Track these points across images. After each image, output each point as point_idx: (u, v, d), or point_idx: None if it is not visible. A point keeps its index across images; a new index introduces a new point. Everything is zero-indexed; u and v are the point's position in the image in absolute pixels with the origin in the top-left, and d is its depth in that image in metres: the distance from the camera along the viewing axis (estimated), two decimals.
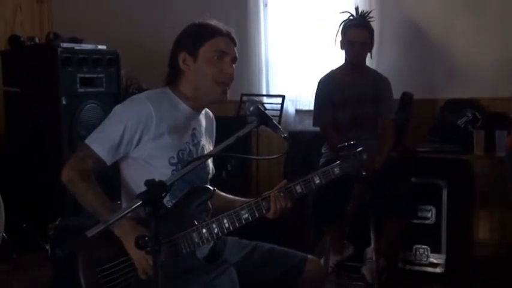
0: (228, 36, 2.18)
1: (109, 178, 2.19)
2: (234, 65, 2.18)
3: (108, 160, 2.07)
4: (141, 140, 2.08)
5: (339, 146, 2.14)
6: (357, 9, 3.85)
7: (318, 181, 2.08)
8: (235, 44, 2.20)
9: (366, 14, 3.77)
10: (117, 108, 2.13)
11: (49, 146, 4.33)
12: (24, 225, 4.05)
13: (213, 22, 2.19)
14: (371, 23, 3.75)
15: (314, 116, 3.82)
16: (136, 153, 2.10)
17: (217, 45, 2.14)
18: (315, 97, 3.81)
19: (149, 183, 1.59)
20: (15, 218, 3.98)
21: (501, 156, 3.58)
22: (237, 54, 2.19)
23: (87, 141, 2.09)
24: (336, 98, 3.69)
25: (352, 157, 2.11)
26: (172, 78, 2.21)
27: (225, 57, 2.15)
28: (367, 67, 3.80)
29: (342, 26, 3.74)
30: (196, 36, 2.15)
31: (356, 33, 3.62)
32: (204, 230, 2.00)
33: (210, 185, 2.13)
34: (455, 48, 4.30)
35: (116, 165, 2.16)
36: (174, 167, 2.10)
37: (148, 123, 2.06)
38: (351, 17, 3.77)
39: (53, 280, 3.16)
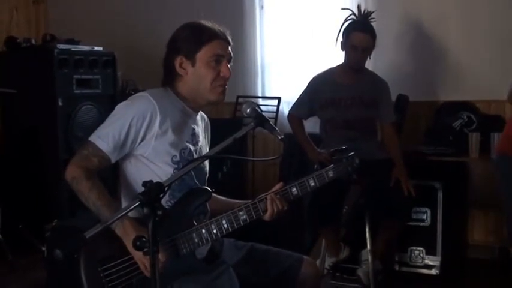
0: (223, 38, 2.17)
1: (105, 180, 2.19)
2: (229, 65, 2.18)
3: (113, 157, 2.06)
4: (145, 137, 2.07)
5: (332, 150, 2.20)
6: (359, 7, 3.77)
7: (312, 184, 2.12)
8: (230, 44, 2.19)
9: (369, 15, 3.70)
10: (121, 106, 2.11)
11: (45, 147, 4.33)
12: (20, 226, 4.04)
13: (209, 24, 2.18)
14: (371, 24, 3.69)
15: (292, 106, 3.84)
16: (140, 151, 2.09)
17: (214, 50, 2.13)
18: (303, 90, 3.78)
19: (147, 184, 1.59)
20: (11, 220, 3.98)
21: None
22: (232, 54, 2.19)
23: (92, 138, 2.06)
24: (330, 96, 3.64)
25: (345, 161, 2.17)
26: (169, 80, 2.20)
27: (223, 60, 2.15)
28: (366, 69, 3.76)
29: (344, 26, 3.66)
30: (193, 40, 2.14)
31: (361, 38, 3.53)
32: (203, 231, 2.02)
33: (208, 187, 2.14)
34: (451, 51, 4.32)
35: (112, 166, 2.15)
36: (176, 166, 2.10)
37: (152, 120, 2.06)
38: (353, 16, 3.71)
39: (49, 282, 3.16)
